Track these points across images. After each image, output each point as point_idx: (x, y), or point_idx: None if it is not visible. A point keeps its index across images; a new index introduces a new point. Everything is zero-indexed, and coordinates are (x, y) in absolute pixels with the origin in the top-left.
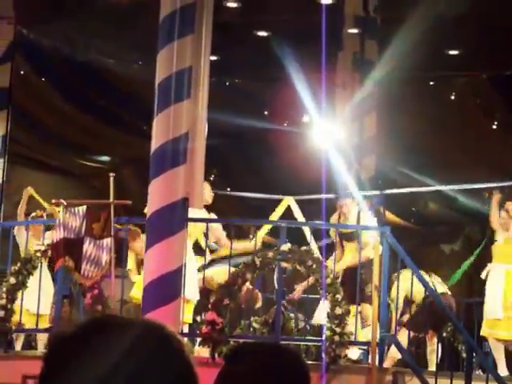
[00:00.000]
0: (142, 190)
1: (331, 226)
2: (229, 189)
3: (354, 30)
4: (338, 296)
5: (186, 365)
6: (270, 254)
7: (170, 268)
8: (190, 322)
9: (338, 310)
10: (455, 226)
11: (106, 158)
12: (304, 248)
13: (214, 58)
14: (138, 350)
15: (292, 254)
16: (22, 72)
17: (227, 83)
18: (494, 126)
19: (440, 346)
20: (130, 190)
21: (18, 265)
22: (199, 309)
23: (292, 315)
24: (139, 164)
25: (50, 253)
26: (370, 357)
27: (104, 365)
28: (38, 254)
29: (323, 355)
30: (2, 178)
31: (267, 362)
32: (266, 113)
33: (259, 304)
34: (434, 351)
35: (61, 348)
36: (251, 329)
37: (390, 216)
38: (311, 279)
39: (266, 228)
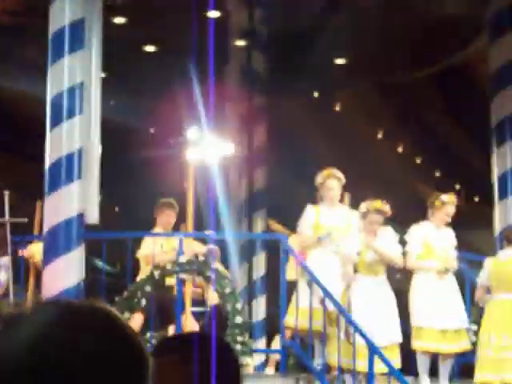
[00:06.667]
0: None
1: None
2: (116, 208)
3: (241, 43)
4: (238, 305)
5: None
6: (168, 266)
7: (68, 284)
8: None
9: (239, 319)
10: None
11: None
12: (202, 259)
13: (103, 74)
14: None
15: (190, 265)
16: None
17: (111, 102)
18: (380, 136)
19: None
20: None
21: None
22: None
23: None
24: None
25: None
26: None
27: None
28: None
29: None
30: None
31: (195, 352)
32: (151, 131)
33: None
34: None
35: None
36: None
37: (276, 226)
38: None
39: None
